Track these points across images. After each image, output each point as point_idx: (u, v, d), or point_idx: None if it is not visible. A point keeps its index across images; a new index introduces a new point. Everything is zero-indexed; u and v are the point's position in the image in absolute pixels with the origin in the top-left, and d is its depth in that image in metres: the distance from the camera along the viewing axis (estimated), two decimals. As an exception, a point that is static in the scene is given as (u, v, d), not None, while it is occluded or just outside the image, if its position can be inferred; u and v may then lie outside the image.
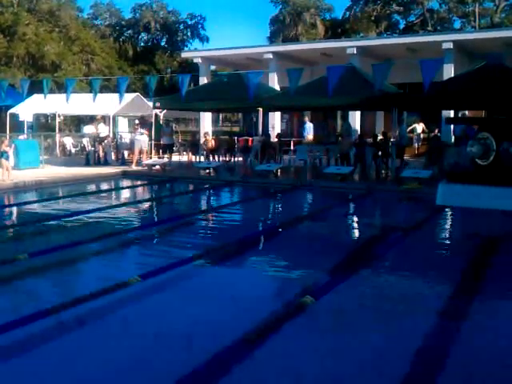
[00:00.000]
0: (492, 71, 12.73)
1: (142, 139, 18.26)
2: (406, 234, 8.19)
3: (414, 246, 7.70)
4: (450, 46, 18.66)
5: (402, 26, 44.28)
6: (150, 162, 17.86)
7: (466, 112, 17.17)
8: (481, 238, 7.96)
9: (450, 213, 9.74)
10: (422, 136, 19.85)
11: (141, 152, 18.20)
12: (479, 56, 17.84)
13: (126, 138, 23.13)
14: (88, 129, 21.49)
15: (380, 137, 15.98)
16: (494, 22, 39.02)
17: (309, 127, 19.09)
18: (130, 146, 19.31)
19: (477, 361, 3.95)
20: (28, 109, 23.10)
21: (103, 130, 20.26)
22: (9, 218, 10.02)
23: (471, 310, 4.97)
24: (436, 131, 17.44)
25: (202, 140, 19.66)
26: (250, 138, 20.62)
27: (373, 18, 42.21)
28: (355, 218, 11.00)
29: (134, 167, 17.51)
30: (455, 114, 18.08)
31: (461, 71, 16.63)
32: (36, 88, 20.92)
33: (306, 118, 19.83)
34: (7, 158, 13.86)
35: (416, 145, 19.73)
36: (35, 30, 35.48)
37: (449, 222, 9.89)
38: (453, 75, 17.25)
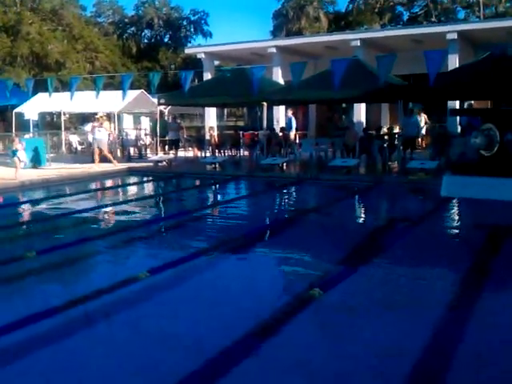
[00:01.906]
0: (497, 62, 12.68)
1: (99, 137, 16.98)
2: (414, 225, 8.19)
3: (424, 237, 7.69)
4: (455, 36, 18.57)
5: (405, 18, 44.08)
6: (155, 158, 17.91)
7: (472, 102, 17.10)
8: (490, 228, 7.95)
9: (457, 203, 9.75)
10: (425, 127, 19.75)
11: (101, 151, 16.82)
12: (484, 46, 17.77)
13: (131, 134, 23.22)
14: (88, 127, 21.56)
15: (384, 129, 15.93)
16: (499, 11, 38.77)
17: (294, 121, 19.09)
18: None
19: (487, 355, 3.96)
20: (33, 107, 23.16)
21: (107, 127, 20.27)
22: (17, 217, 10.07)
23: (480, 303, 4.96)
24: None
25: (208, 135, 19.70)
26: (256, 132, 20.61)
27: (376, 10, 42.02)
28: (363, 210, 11.01)
29: (96, 167, 16.14)
30: (461, 104, 18.01)
31: (465, 62, 16.56)
32: (41, 87, 20.99)
33: (290, 112, 19.71)
34: (18, 157, 13.97)
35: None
36: (39, 29, 35.59)
37: (456, 213, 9.88)
38: (457, 66, 17.17)
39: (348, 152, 15.56)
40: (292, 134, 18.70)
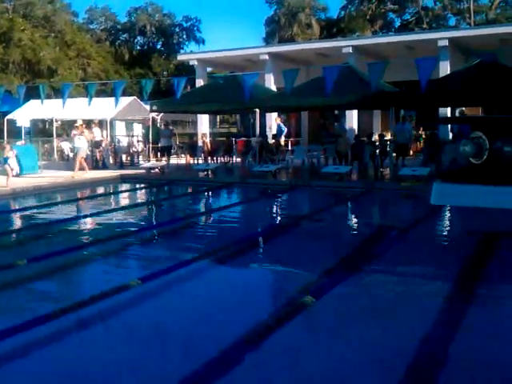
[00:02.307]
0: (487, 68, 12.79)
1: (79, 145, 16.31)
2: (406, 232, 8.23)
3: (415, 244, 7.72)
4: (446, 43, 18.70)
5: (397, 25, 44.40)
6: (148, 164, 17.88)
7: (464, 108, 17.22)
8: (481, 234, 7.99)
9: (448, 211, 9.82)
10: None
11: (80, 159, 16.16)
12: (475, 53, 17.89)
13: (124, 141, 23.21)
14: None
15: (375, 136, 16.02)
16: (489, 18, 39.10)
17: (283, 127, 19.15)
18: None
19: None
20: (25, 114, 23.12)
21: (97, 134, 20.28)
22: (8, 225, 10.01)
23: (470, 309, 4.98)
24: (421, 129, 17.32)
25: (200, 142, 19.71)
26: (249, 139, 20.65)
27: (368, 17, 42.28)
28: (355, 217, 11.04)
29: (76, 175, 15.62)
30: (452, 110, 18.13)
31: (456, 68, 16.67)
32: (33, 93, 20.95)
33: (278, 120, 19.74)
34: (9, 164, 13.92)
35: None
36: (31, 36, 35.51)
37: (448, 220, 9.97)
38: (449, 72, 17.29)
39: (340, 159, 15.62)
40: (281, 140, 18.74)
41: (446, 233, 9.24)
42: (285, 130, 19.40)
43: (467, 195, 2.96)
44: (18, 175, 15.25)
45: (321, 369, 3.81)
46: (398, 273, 6.39)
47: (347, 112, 20.22)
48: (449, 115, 18.23)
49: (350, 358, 4.02)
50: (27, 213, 11.09)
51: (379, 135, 16.54)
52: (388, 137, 16.84)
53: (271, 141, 18.14)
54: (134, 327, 4.64)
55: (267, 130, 20.67)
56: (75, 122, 18.75)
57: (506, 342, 4.20)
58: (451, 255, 7.21)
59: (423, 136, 18.69)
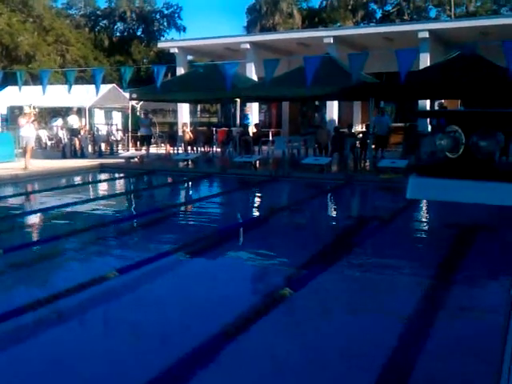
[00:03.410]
0: (466, 61, 12.90)
1: (26, 134, 15.07)
2: (384, 224, 8.30)
3: (393, 235, 7.80)
4: (426, 35, 18.80)
5: (378, 16, 44.48)
6: (127, 154, 17.73)
7: (443, 101, 17.36)
8: (456, 227, 8.12)
9: (426, 203, 9.94)
10: None
11: (26, 150, 14.87)
12: (455, 45, 18.03)
13: (103, 130, 22.98)
14: (57, 122, 21.31)
15: (356, 127, 16.08)
16: (470, 11, 39.41)
17: (250, 117, 19.07)
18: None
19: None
20: (2, 101, 22.72)
21: (75, 121, 20.04)
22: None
23: (449, 298, 5.06)
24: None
25: (180, 131, 19.58)
26: (229, 129, 20.57)
27: (350, 8, 42.28)
28: (334, 209, 11.10)
29: (29, 166, 14.49)
30: (432, 103, 18.27)
31: (437, 60, 16.79)
32: (10, 80, 20.59)
33: (247, 110, 19.66)
34: None
35: None
36: (8, 21, 34.86)
37: (424, 212, 10.09)
38: (429, 64, 17.40)
39: (320, 150, 15.66)
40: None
41: (423, 225, 9.36)
42: (250, 119, 19.22)
43: (443, 190, 2.97)
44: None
45: (298, 361, 3.84)
46: (377, 264, 6.44)
47: (328, 103, 20.27)
48: (428, 107, 18.39)
49: (326, 351, 4.04)
50: (6, 201, 10.95)
51: (366, 126, 16.58)
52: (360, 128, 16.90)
53: (253, 130, 18.08)
54: (111, 320, 4.61)
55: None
56: (54, 109, 18.48)
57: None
58: (429, 246, 7.31)
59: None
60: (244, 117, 19.05)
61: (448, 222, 8.52)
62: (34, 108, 18.61)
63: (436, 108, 17.26)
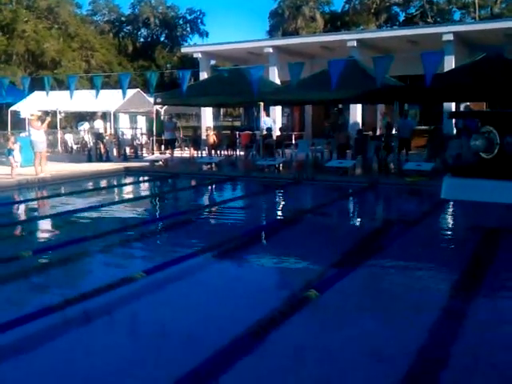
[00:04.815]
0: (492, 63, 12.74)
1: (39, 140, 14.20)
2: (411, 227, 8.22)
3: (423, 239, 7.71)
4: (451, 37, 18.64)
5: (401, 18, 44.22)
6: (152, 157, 17.88)
7: (469, 103, 17.16)
8: (488, 230, 7.98)
9: (455, 205, 9.78)
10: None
11: (41, 156, 14.12)
12: (479, 47, 17.82)
13: (128, 134, 23.22)
14: (84, 126, 21.59)
15: (378, 130, 15.99)
16: (494, 12, 38.93)
17: (270, 123, 18.86)
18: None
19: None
20: (29, 106, 23.12)
21: (100, 126, 20.31)
22: (14, 216, 10.04)
23: (477, 305, 4.99)
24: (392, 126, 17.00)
25: (204, 135, 19.68)
26: (253, 133, 20.59)
27: (372, 11, 42.12)
28: (360, 211, 11.04)
29: (46, 172, 13.98)
30: (457, 105, 18.07)
31: (461, 63, 16.61)
32: (36, 85, 20.95)
33: (264, 114, 19.50)
34: (13, 156, 13.94)
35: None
36: (34, 27, 35.51)
37: (455, 215, 9.91)
38: (453, 67, 17.23)
39: (340, 153, 15.59)
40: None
41: (452, 228, 9.19)
42: (270, 125, 19.05)
43: (477, 190, 2.96)
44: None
45: (322, 364, 3.83)
46: (403, 267, 6.39)
47: (351, 106, 20.18)
48: (453, 109, 18.20)
49: (351, 353, 4.02)
50: (34, 204, 11.14)
51: (386, 127, 16.44)
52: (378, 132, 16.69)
53: (277, 134, 18.08)
54: (139, 320, 4.66)
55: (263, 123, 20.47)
56: (79, 113, 18.74)
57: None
58: (459, 249, 7.21)
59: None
60: (258, 120, 18.97)
61: (478, 225, 8.37)
62: (47, 113, 18.66)
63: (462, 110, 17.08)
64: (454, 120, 17.02)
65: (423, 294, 5.37)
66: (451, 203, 9.66)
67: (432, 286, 5.67)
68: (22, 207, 11.04)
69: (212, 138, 18.45)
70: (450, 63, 18.01)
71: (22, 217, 10.18)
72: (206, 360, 3.65)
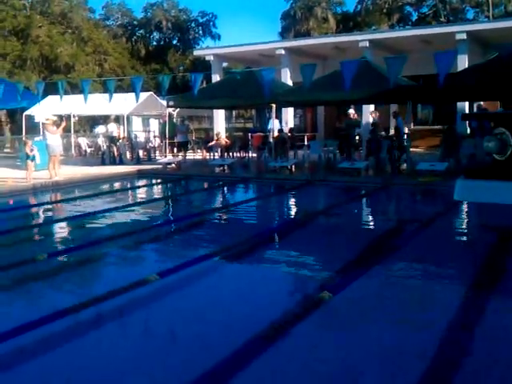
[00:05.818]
0: (506, 62, 12.61)
1: (55, 143, 14.24)
2: (425, 227, 8.17)
3: (436, 240, 7.65)
4: (464, 36, 18.49)
5: (414, 18, 43.93)
6: (165, 160, 17.97)
7: (482, 103, 17.02)
8: (502, 231, 7.91)
9: (469, 206, 9.71)
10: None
11: (55, 160, 14.11)
12: (493, 46, 17.67)
13: (141, 137, 23.34)
14: (100, 129, 21.69)
15: (392, 130, 15.90)
16: (508, 11, 38.54)
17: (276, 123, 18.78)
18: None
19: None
20: (43, 110, 23.29)
21: (113, 129, 20.45)
22: (29, 218, 10.13)
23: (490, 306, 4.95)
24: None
25: (215, 140, 19.74)
26: (265, 134, 20.58)
27: (385, 11, 41.92)
28: (374, 212, 10.98)
29: (52, 179, 13.72)
30: (470, 105, 17.92)
31: (475, 62, 16.48)
32: (50, 89, 21.12)
33: (275, 116, 19.42)
34: (33, 160, 14.07)
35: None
36: (48, 32, 35.80)
37: (469, 216, 9.86)
38: (467, 66, 17.09)
39: (343, 152, 15.61)
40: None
41: (466, 228, 9.14)
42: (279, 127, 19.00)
43: (491, 192, 2.93)
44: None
45: (335, 366, 3.82)
46: (417, 268, 6.35)
47: (364, 106, 20.08)
48: (467, 109, 18.05)
49: (364, 356, 4.01)
50: (49, 206, 11.26)
51: (395, 128, 16.39)
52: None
53: (288, 134, 18.06)
54: (153, 321, 4.68)
55: (283, 124, 20.58)
56: (93, 117, 18.88)
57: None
58: (473, 251, 7.15)
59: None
60: (268, 122, 18.96)
61: (493, 226, 8.30)
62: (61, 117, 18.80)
63: (475, 110, 16.93)
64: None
65: (440, 294, 5.34)
66: (467, 204, 9.59)
67: (448, 286, 5.63)
68: (39, 210, 11.15)
69: (223, 141, 18.50)
70: (463, 62, 17.86)
71: (40, 220, 10.27)
72: (222, 361, 3.66)
